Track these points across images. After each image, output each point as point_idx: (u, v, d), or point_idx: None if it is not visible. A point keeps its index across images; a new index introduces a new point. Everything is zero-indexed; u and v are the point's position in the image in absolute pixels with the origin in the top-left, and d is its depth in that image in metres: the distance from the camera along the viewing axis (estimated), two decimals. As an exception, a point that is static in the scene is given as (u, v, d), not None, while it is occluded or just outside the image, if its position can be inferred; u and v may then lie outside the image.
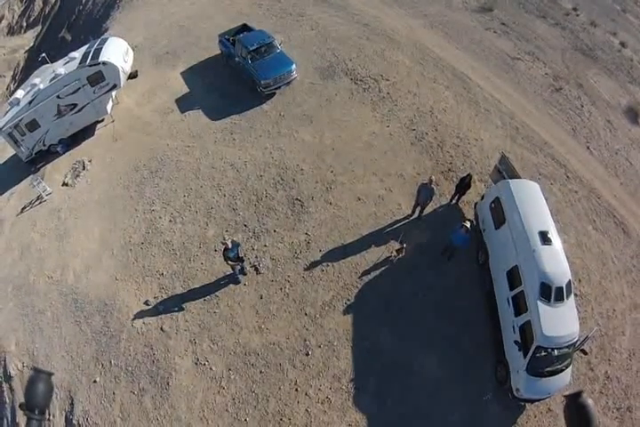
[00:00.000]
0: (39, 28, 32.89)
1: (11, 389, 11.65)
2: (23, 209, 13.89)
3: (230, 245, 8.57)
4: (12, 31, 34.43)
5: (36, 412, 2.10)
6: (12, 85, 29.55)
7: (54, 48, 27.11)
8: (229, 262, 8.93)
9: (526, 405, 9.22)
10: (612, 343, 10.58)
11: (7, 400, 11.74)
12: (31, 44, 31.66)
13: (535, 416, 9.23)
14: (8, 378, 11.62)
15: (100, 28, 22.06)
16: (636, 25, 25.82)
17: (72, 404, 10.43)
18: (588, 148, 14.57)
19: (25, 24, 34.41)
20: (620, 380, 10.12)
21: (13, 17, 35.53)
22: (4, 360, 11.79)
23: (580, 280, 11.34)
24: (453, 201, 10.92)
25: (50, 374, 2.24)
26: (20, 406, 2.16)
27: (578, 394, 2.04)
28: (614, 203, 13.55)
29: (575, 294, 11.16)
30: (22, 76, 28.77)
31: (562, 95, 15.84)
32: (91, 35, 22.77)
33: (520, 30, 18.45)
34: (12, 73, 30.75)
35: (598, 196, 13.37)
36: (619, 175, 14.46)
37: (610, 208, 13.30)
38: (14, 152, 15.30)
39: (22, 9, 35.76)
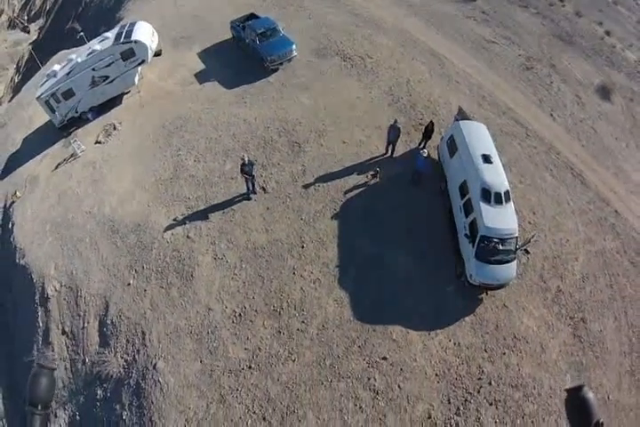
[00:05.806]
0: (41, 21, 40.58)
1: (46, 311, 16.04)
2: (58, 166, 19.50)
3: (247, 161, 14.17)
4: (12, 25, 42.19)
5: (39, 407, 3.44)
6: (15, 78, 36.54)
7: (61, 39, 34.23)
8: (244, 175, 14.48)
9: (484, 299, 13.78)
10: (565, 265, 14.90)
11: (40, 324, 16.09)
12: (34, 38, 39.13)
13: (492, 309, 13.66)
14: (45, 301, 16.04)
15: (113, 17, 28.92)
16: (626, 16, 32.40)
17: (107, 307, 14.70)
18: (551, 115, 20.31)
19: (26, 18, 42.22)
20: (573, 295, 14.26)
21: (14, 11, 43.49)
22: (43, 285, 16.26)
23: (534, 213, 16.26)
24: (421, 146, 16.57)
25: (52, 370, 3.77)
26: (22, 402, 3.55)
27: (579, 388, 3.37)
28: (573, 159, 18.94)
29: (529, 223, 16.32)
30: (27, 68, 35.82)
31: (532, 73, 21.86)
32: (103, 24, 29.69)
33: (500, 18, 24.90)
34: (15, 66, 37.91)
35: (557, 152, 18.84)
36: (581, 139, 20.03)
37: (568, 163, 18.66)
38: (44, 121, 21.36)
39: (22, 3, 43.83)
